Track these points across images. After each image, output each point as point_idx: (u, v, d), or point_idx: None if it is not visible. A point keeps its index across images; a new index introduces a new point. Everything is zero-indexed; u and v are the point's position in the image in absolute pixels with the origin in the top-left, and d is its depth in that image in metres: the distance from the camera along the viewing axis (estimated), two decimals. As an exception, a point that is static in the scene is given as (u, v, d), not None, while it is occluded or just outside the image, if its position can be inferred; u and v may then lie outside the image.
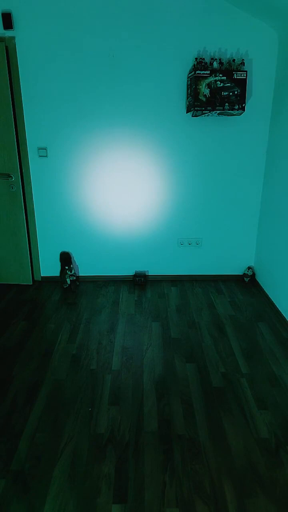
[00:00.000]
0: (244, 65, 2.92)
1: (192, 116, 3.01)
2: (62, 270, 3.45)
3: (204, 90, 2.84)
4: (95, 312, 3.04)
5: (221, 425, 1.90)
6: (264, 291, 3.35)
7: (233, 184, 3.36)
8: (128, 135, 3.21)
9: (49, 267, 3.61)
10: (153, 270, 3.66)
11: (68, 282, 3.44)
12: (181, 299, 3.28)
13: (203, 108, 2.89)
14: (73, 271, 3.42)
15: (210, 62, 2.91)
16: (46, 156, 3.24)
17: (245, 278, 3.59)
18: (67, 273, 3.41)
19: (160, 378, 2.25)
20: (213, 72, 2.82)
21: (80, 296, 3.34)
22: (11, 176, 3.22)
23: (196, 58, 2.90)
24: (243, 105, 2.92)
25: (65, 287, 3.48)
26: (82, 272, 3.66)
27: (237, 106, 2.91)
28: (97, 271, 3.65)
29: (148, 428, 1.87)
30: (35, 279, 3.64)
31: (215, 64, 2.88)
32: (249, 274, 3.55)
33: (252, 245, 3.59)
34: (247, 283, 3.58)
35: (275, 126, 3.07)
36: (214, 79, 2.83)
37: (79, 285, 3.55)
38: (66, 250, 3.56)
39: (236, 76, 2.84)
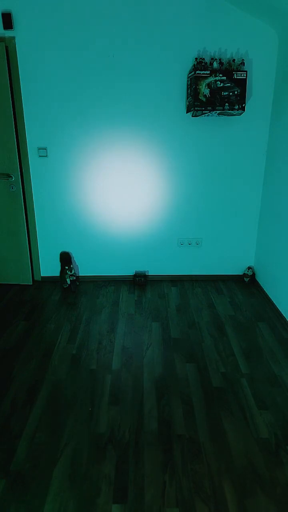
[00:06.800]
0: (244, 65, 2.92)
1: (192, 116, 3.01)
2: (62, 270, 3.45)
3: (204, 90, 2.84)
4: (95, 312, 3.04)
5: (221, 425, 1.90)
6: (264, 291, 3.35)
7: (233, 184, 3.36)
8: (128, 135, 3.21)
9: (49, 267, 3.61)
10: (153, 270, 3.66)
11: (68, 282, 3.44)
12: (181, 299, 3.28)
13: (203, 108, 2.89)
14: (73, 271, 3.42)
15: (210, 62, 2.91)
16: (46, 156, 3.24)
17: (245, 278, 3.59)
18: (67, 273, 3.41)
19: (160, 378, 2.25)
20: (213, 72, 2.82)
21: (80, 296, 3.34)
22: (11, 176, 3.22)
23: (196, 58, 2.90)
24: (243, 105, 2.92)
25: (65, 287, 3.48)
26: (82, 272, 3.66)
27: (237, 106, 2.91)
28: (97, 271, 3.65)
29: (148, 428, 1.87)
30: (35, 279, 3.64)
31: (215, 64, 2.89)
32: (249, 274, 3.55)
33: (252, 245, 3.59)
34: (247, 283, 3.58)
35: (275, 126, 3.07)
36: (214, 79, 2.83)
37: (79, 285, 3.55)
38: (66, 250, 3.56)
39: (236, 76, 2.84)
